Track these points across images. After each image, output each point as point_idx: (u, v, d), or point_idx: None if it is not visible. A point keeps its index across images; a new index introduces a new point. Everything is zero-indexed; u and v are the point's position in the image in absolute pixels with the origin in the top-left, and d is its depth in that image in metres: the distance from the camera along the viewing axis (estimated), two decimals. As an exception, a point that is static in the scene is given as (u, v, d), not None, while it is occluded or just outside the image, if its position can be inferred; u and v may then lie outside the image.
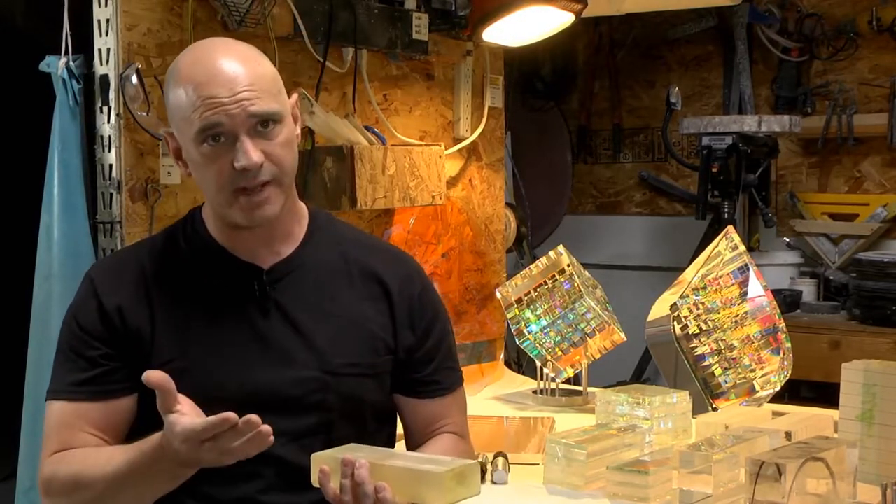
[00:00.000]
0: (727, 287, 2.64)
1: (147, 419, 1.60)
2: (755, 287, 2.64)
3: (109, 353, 1.67)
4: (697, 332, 2.60)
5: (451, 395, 1.83)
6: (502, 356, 3.44)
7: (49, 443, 1.67)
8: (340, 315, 1.73)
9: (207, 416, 1.51)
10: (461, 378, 1.87)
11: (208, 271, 1.71)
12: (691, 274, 2.70)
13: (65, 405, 1.67)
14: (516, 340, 2.87)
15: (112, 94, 2.30)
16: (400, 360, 1.77)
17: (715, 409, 2.57)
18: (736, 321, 2.61)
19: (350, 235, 1.84)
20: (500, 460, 2.15)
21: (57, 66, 2.29)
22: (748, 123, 4.14)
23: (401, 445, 1.88)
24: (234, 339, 1.67)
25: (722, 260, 2.67)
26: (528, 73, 5.07)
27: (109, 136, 2.32)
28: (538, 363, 2.86)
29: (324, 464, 1.52)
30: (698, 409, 2.49)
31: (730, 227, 2.81)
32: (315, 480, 1.53)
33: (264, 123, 1.62)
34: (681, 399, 2.39)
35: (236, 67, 1.62)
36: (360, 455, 1.51)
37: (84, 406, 1.66)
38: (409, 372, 1.79)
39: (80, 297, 1.73)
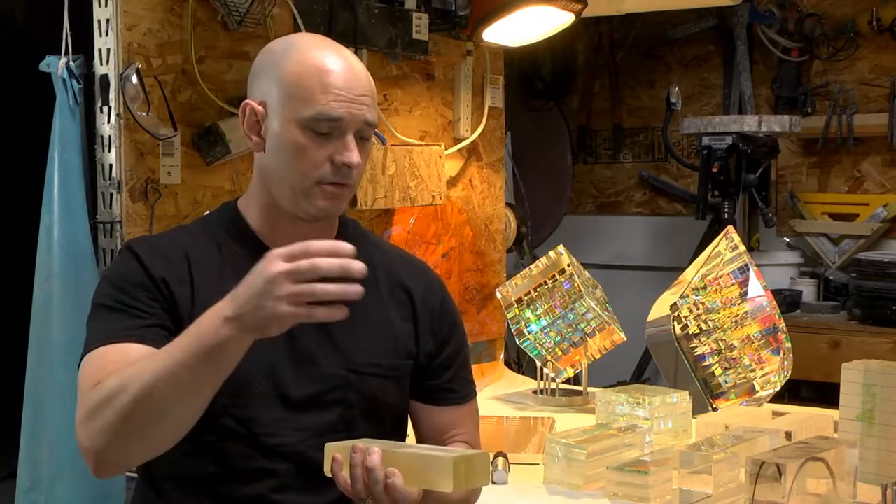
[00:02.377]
0: (727, 287, 2.64)
1: None
2: (755, 287, 2.64)
3: (158, 310, 1.61)
4: (697, 332, 2.60)
5: (465, 405, 1.86)
6: (502, 356, 3.45)
7: (85, 385, 1.53)
8: (366, 316, 1.73)
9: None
10: (475, 391, 1.90)
11: (246, 262, 1.70)
12: (691, 274, 2.70)
13: (107, 347, 1.56)
14: (516, 340, 2.87)
15: (112, 94, 2.30)
16: (420, 366, 1.79)
17: (715, 409, 2.57)
18: (736, 321, 2.61)
19: (375, 241, 1.87)
20: (500, 460, 2.14)
21: (57, 66, 2.29)
22: (748, 123, 4.14)
23: None
24: None
25: (722, 260, 2.67)
26: (528, 73, 5.07)
27: (109, 136, 2.32)
28: (538, 363, 2.86)
29: (336, 452, 1.53)
30: (698, 409, 2.49)
31: (730, 227, 2.81)
32: (328, 470, 1.54)
33: (364, 133, 1.66)
34: (681, 399, 2.39)
35: (361, 71, 1.66)
36: (373, 445, 1.51)
37: (129, 346, 1.55)
38: (426, 378, 1.81)
39: (121, 266, 1.66)
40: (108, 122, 2.31)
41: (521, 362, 3.66)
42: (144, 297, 1.62)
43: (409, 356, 1.78)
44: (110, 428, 1.45)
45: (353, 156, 1.63)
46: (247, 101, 1.68)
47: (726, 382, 2.59)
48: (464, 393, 1.85)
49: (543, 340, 2.81)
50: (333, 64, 1.63)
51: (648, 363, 4.14)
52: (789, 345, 2.64)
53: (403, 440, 1.84)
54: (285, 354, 1.67)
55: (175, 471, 1.65)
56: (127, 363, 1.51)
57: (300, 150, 1.62)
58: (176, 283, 1.64)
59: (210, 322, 1.42)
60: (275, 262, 1.38)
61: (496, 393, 3.07)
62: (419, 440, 1.86)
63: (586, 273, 2.95)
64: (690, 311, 2.61)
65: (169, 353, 1.45)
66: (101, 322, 1.62)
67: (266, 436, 1.63)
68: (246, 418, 1.63)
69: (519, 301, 2.85)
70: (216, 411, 1.57)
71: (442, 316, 1.82)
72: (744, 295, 2.63)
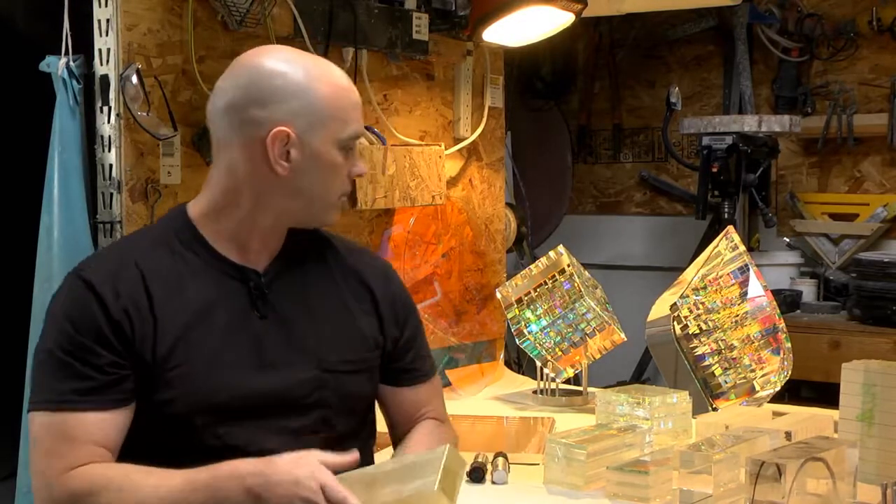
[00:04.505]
0: (727, 287, 2.64)
1: (133, 430, 1.62)
2: (755, 287, 2.64)
3: (118, 362, 1.59)
4: (697, 332, 2.60)
5: (429, 381, 1.93)
6: (502, 356, 3.44)
7: (56, 458, 1.56)
8: (331, 314, 1.77)
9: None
10: (434, 366, 1.97)
11: (204, 274, 1.69)
12: (691, 274, 2.70)
13: (64, 415, 1.57)
14: (516, 340, 2.87)
15: (112, 94, 2.30)
16: (387, 352, 1.85)
17: (715, 409, 2.56)
18: (736, 321, 2.61)
19: (327, 237, 1.88)
20: (500, 460, 2.14)
21: (57, 66, 2.29)
22: (748, 123, 4.14)
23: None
24: (234, 343, 1.67)
25: (722, 260, 2.67)
26: (528, 73, 5.07)
27: (109, 136, 2.32)
28: (538, 363, 2.86)
29: None
30: (698, 409, 2.49)
31: (730, 227, 2.81)
32: None
33: None
34: (681, 399, 2.39)
35: None
36: (346, 483, 1.51)
37: (90, 417, 1.57)
38: (392, 362, 1.86)
39: (76, 301, 1.62)
40: (108, 122, 2.31)
41: (521, 362, 3.66)
42: (100, 350, 1.59)
43: (377, 346, 1.82)
44: None
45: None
46: (279, 128, 1.63)
47: (726, 382, 2.59)
48: (426, 369, 1.91)
49: (543, 340, 2.81)
50: (342, 81, 1.70)
51: (648, 363, 4.14)
52: (789, 345, 2.64)
53: (373, 425, 1.88)
54: (258, 361, 1.67)
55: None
56: (98, 448, 1.56)
57: (336, 168, 1.69)
58: (137, 314, 1.61)
59: (229, 484, 1.49)
60: (327, 474, 1.49)
61: (496, 393, 3.07)
62: (390, 423, 1.91)
63: (586, 273, 2.95)
64: (690, 311, 2.61)
65: (169, 490, 1.51)
66: (50, 376, 1.60)
67: (247, 445, 1.62)
68: (225, 433, 1.62)
69: (519, 301, 2.85)
70: (195, 430, 1.59)
71: (400, 301, 1.88)
72: (744, 295, 2.63)
